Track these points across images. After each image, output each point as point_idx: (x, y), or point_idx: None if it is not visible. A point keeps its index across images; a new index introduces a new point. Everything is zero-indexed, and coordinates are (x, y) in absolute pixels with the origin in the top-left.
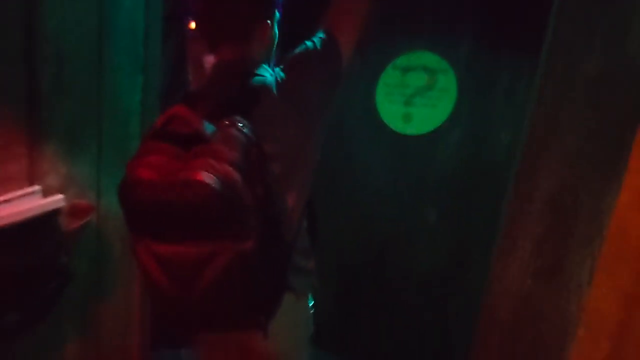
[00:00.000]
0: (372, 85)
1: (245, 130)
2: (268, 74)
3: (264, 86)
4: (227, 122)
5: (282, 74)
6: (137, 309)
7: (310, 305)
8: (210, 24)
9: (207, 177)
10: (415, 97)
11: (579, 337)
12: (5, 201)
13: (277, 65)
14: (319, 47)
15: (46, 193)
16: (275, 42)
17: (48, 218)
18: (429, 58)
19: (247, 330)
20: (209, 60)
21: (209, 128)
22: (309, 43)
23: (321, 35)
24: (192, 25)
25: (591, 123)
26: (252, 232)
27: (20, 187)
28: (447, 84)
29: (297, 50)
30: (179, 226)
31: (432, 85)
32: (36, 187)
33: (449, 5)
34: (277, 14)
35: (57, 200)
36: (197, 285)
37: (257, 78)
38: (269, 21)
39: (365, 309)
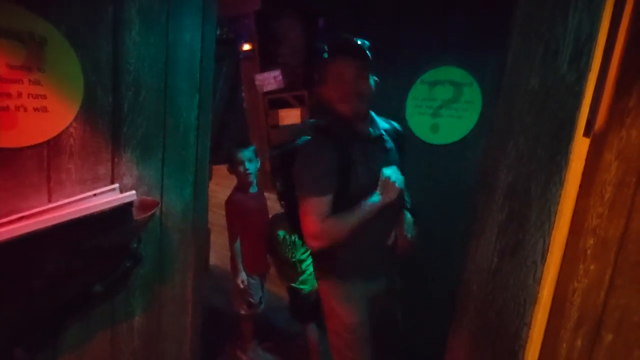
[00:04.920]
0: (403, 99)
1: None
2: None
3: None
4: None
5: None
6: (191, 293)
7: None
8: None
9: None
10: (442, 109)
11: (536, 307)
12: (95, 195)
13: None
14: None
15: (122, 190)
16: None
17: (124, 210)
18: (455, 73)
19: None
20: (259, 77)
21: None
22: None
23: None
24: (244, 47)
25: (535, 128)
26: None
27: (105, 185)
28: (472, 96)
29: None
30: None
31: (458, 98)
32: (116, 185)
33: (474, 23)
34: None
35: (131, 195)
36: None
37: None
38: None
39: None
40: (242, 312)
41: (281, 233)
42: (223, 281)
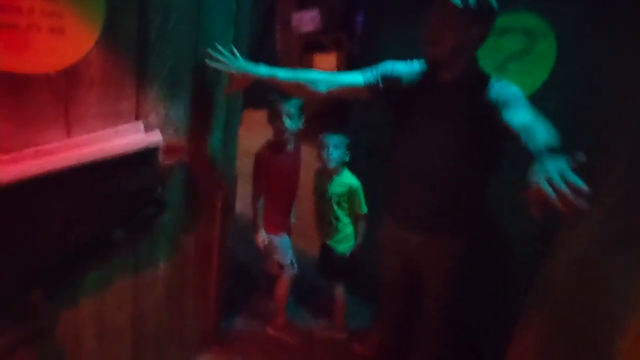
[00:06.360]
0: None
1: None
2: None
3: None
4: None
5: None
6: (217, 244)
7: None
8: None
9: None
10: (509, 62)
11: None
12: (117, 132)
13: None
14: None
15: (146, 130)
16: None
17: (148, 152)
18: (529, 19)
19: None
20: (296, 17)
21: None
22: None
23: None
24: None
25: None
26: None
27: (128, 122)
28: (547, 48)
29: None
30: None
31: (530, 49)
32: (140, 122)
33: None
34: None
35: (156, 135)
36: None
37: None
38: None
39: None
40: (274, 272)
41: (321, 186)
42: (248, 231)
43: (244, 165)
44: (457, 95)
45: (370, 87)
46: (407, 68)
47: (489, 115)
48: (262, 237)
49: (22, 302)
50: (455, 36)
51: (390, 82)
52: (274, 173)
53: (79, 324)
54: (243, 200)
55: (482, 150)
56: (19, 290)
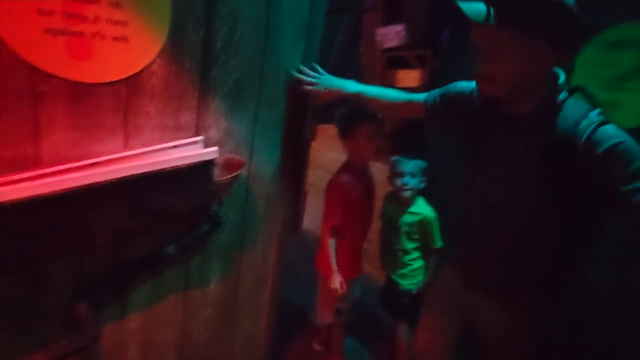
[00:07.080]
0: (568, 65)
1: None
2: None
3: None
4: None
5: None
6: (272, 265)
7: None
8: None
9: None
10: (628, 81)
11: None
12: (175, 147)
13: None
14: None
15: (206, 144)
16: None
17: (205, 168)
18: None
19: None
20: (380, 32)
21: None
22: None
23: None
24: None
25: None
26: None
27: (188, 136)
28: None
29: None
30: None
31: None
32: (199, 138)
33: None
34: None
35: (212, 152)
36: None
37: None
38: None
39: None
40: (328, 321)
41: (390, 213)
42: (314, 248)
43: (318, 178)
44: (531, 134)
45: (427, 104)
46: (468, 88)
47: (585, 174)
48: (339, 279)
49: (68, 315)
50: (509, 67)
51: (448, 100)
52: (353, 202)
53: (123, 339)
54: (312, 214)
55: (571, 207)
56: (66, 302)
